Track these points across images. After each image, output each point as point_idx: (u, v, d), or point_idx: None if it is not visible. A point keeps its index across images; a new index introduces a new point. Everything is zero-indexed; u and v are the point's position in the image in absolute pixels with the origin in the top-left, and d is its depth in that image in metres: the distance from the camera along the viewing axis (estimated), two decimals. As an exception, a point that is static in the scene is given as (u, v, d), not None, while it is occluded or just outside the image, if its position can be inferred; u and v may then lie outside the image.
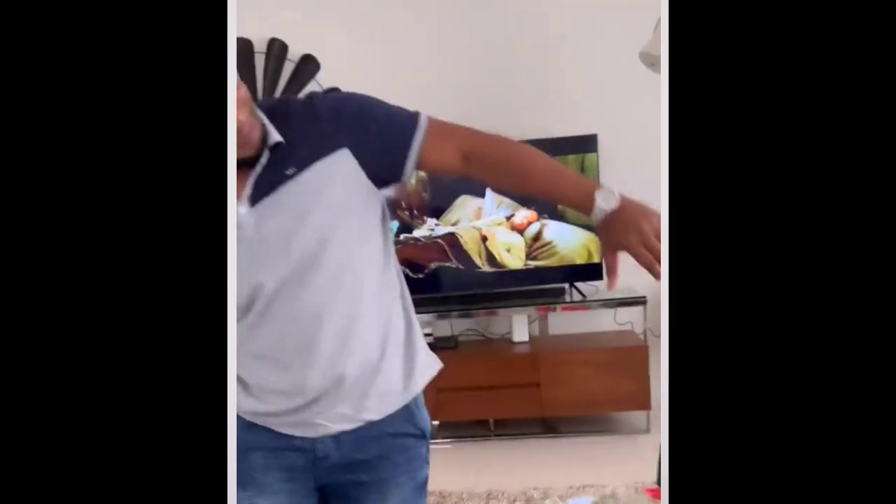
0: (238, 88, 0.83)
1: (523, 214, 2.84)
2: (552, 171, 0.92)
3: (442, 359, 3.01)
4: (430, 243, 2.85)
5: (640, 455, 2.46)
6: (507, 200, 2.84)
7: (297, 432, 0.94)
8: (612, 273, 0.88)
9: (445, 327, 3.01)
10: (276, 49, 2.93)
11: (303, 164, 0.87)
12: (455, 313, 2.87)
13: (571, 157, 2.82)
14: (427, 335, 2.97)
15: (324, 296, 0.89)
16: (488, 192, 2.83)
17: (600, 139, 2.82)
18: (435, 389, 2.66)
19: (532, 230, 2.85)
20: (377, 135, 0.90)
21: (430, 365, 1.01)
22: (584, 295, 2.86)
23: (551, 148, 2.79)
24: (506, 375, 2.70)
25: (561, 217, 2.83)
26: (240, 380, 0.92)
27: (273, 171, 0.87)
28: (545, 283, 2.88)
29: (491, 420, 2.81)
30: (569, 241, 2.85)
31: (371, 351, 0.93)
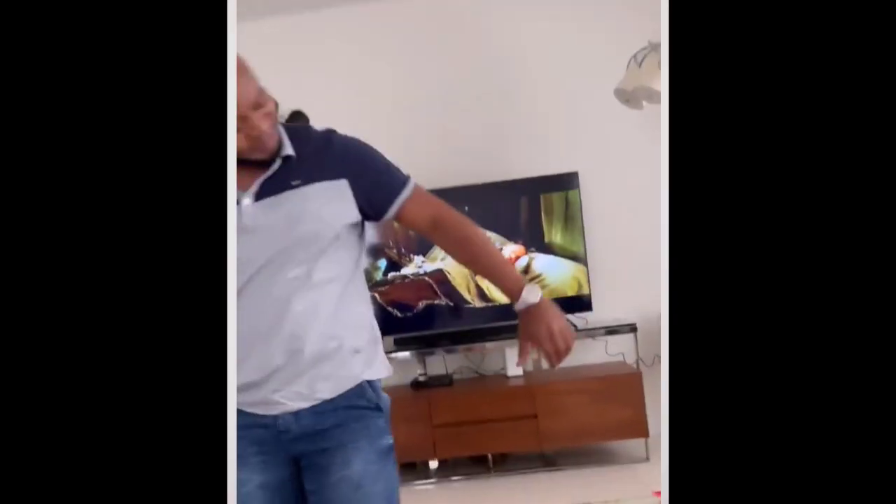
0: (268, 103, 1.01)
1: (511, 248, 2.89)
2: (497, 259, 1.13)
3: (437, 396, 3.04)
4: (418, 281, 2.88)
5: (641, 484, 2.45)
6: (494, 235, 2.88)
7: (260, 411, 1.05)
8: (522, 353, 1.09)
9: (439, 365, 3.01)
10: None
11: (308, 179, 1.04)
12: (446, 350, 2.87)
13: (556, 195, 2.88)
14: (420, 374, 2.98)
15: (295, 286, 1.02)
16: (475, 228, 2.87)
17: (581, 176, 2.90)
18: (432, 426, 2.67)
19: (520, 264, 2.88)
20: (373, 179, 1.08)
21: (384, 367, 1.13)
22: (575, 325, 2.88)
23: (535, 186, 2.88)
24: (502, 409, 2.69)
25: (548, 250, 2.88)
26: None
27: (281, 179, 1.03)
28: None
29: (490, 456, 2.79)
30: (558, 273, 2.88)
31: (330, 340, 1.05)
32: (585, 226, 2.89)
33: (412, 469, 2.80)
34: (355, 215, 1.07)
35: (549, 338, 1.04)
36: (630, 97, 2.28)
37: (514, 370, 2.91)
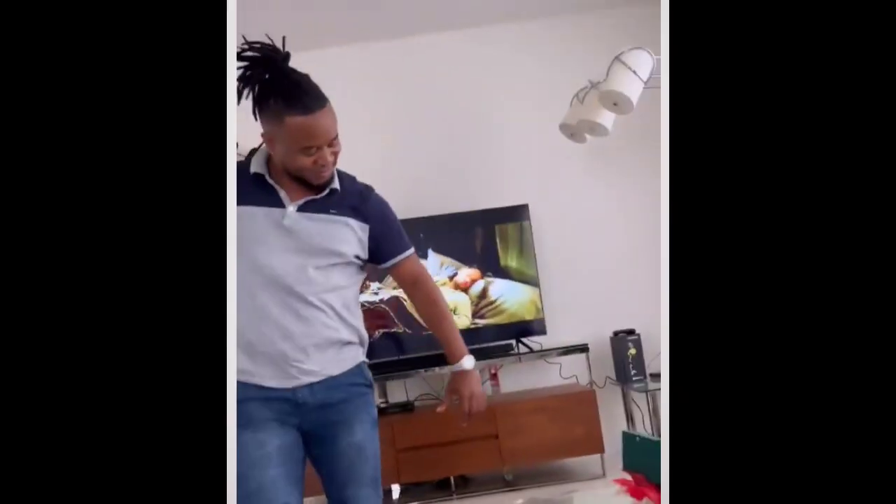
0: (337, 145, 1.28)
1: (466, 272, 2.97)
2: (452, 326, 1.43)
3: (399, 422, 3.10)
4: (374, 309, 2.92)
5: (599, 499, 2.53)
6: (449, 259, 2.96)
7: (276, 384, 1.27)
8: (444, 403, 1.43)
9: (400, 392, 3.04)
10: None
11: (342, 213, 1.32)
12: (405, 376, 2.91)
13: (510, 226, 2.99)
14: (382, 402, 3.00)
15: (312, 287, 1.28)
16: (430, 251, 2.95)
17: (532, 207, 3.03)
18: (395, 450, 2.70)
19: (477, 288, 2.97)
20: (388, 235, 1.38)
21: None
22: (531, 349, 2.98)
23: (490, 218, 2.98)
24: (464, 430, 2.73)
25: (505, 274, 2.97)
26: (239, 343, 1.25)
27: (323, 204, 1.31)
28: (492, 341, 2.98)
29: (452, 479, 2.83)
30: (515, 297, 2.98)
31: (334, 332, 1.31)
32: (537, 254, 3.01)
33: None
34: (364, 253, 1.36)
35: (469, 399, 1.39)
36: (574, 131, 2.42)
37: (473, 394, 2.98)
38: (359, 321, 1.37)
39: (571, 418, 2.75)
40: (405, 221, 2.97)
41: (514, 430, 2.74)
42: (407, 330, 2.92)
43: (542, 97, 3.05)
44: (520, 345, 3.02)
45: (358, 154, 3.04)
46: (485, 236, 2.99)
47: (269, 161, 1.31)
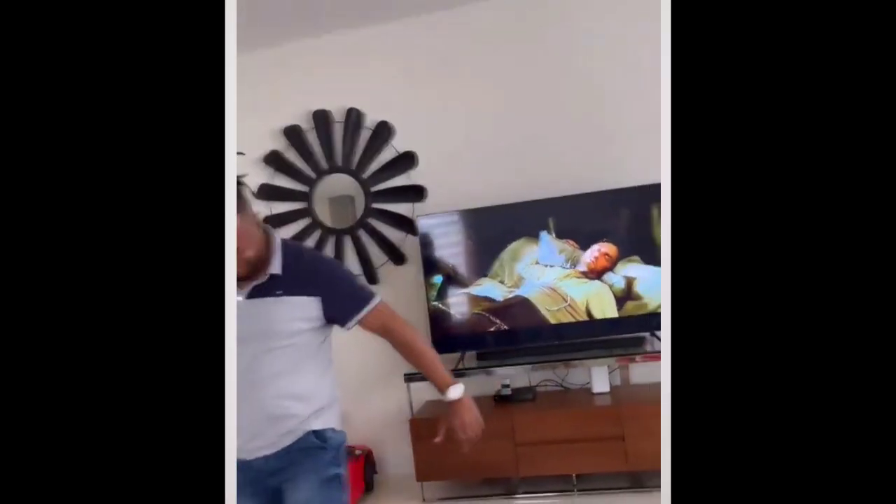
0: (245, 251, 1.31)
1: (594, 253, 2.79)
2: (431, 361, 1.46)
3: (520, 411, 3.02)
4: (503, 307, 2.85)
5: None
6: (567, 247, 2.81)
7: (242, 456, 1.36)
8: (439, 433, 1.47)
9: (523, 378, 2.98)
10: (354, 118, 3.11)
11: (289, 292, 1.37)
12: (532, 367, 2.83)
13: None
14: (504, 386, 2.94)
15: (267, 369, 1.35)
16: (544, 235, 2.83)
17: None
18: (513, 444, 2.65)
19: (618, 283, 2.78)
20: (341, 300, 1.41)
21: (334, 421, 1.45)
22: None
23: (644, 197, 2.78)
24: (588, 429, 2.63)
25: (653, 259, 2.77)
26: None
27: (268, 287, 1.37)
28: (624, 333, 2.81)
29: (573, 474, 2.74)
30: (657, 288, 2.76)
31: (285, 409, 1.37)
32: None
33: (495, 483, 2.79)
34: (321, 321, 1.40)
35: (461, 428, 1.45)
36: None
37: (599, 387, 2.84)
38: (319, 385, 1.42)
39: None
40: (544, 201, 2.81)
41: (642, 434, 2.58)
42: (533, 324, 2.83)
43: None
44: (654, 338, 2.83)
45: (473, 142, 2.99)
46: (635, 217, 2.80)
47: None
